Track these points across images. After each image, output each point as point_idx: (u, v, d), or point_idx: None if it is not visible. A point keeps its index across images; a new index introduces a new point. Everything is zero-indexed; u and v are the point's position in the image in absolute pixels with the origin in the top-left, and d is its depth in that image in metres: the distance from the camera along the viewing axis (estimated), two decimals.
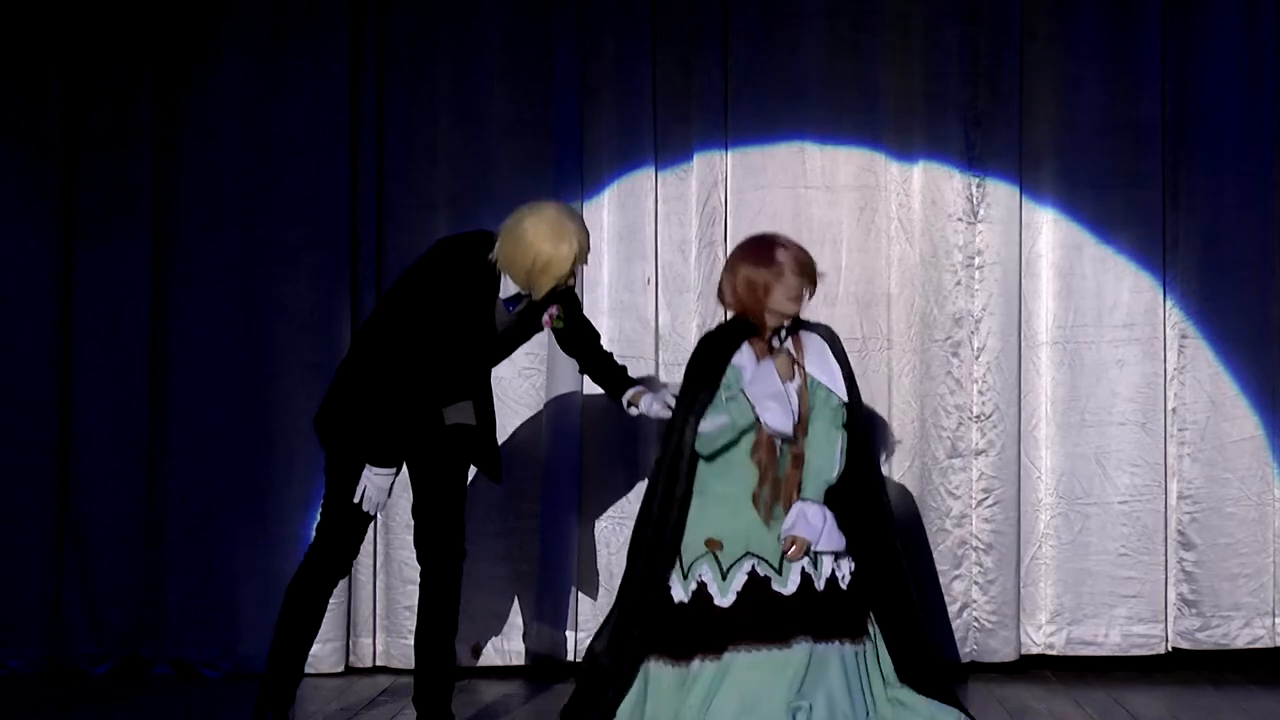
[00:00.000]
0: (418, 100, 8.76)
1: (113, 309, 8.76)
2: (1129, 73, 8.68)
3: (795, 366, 7.08)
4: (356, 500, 7.03)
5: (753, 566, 6.84)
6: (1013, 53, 8.68)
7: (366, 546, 8.49)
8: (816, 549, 6.87)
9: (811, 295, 7.12)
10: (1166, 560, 8.68)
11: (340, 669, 8.67)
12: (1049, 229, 8.73)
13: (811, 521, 6.91)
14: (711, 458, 6.92)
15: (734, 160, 8.78)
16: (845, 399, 7.06)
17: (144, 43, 8.74)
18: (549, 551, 8.75)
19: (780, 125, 8.72)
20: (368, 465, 7.05)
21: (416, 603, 8.05)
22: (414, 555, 8.03)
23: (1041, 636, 8.64)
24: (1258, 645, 8.63)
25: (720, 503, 6.90)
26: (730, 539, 6.84)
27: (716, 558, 6.88)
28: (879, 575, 6.97)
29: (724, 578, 6.85)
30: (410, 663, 8.13)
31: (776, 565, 6.87)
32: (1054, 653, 8.64)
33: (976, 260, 8.61)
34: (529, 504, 8.74)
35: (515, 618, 8.82)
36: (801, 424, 6.99)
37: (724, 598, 6.84)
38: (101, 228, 8.78)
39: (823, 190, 8.72)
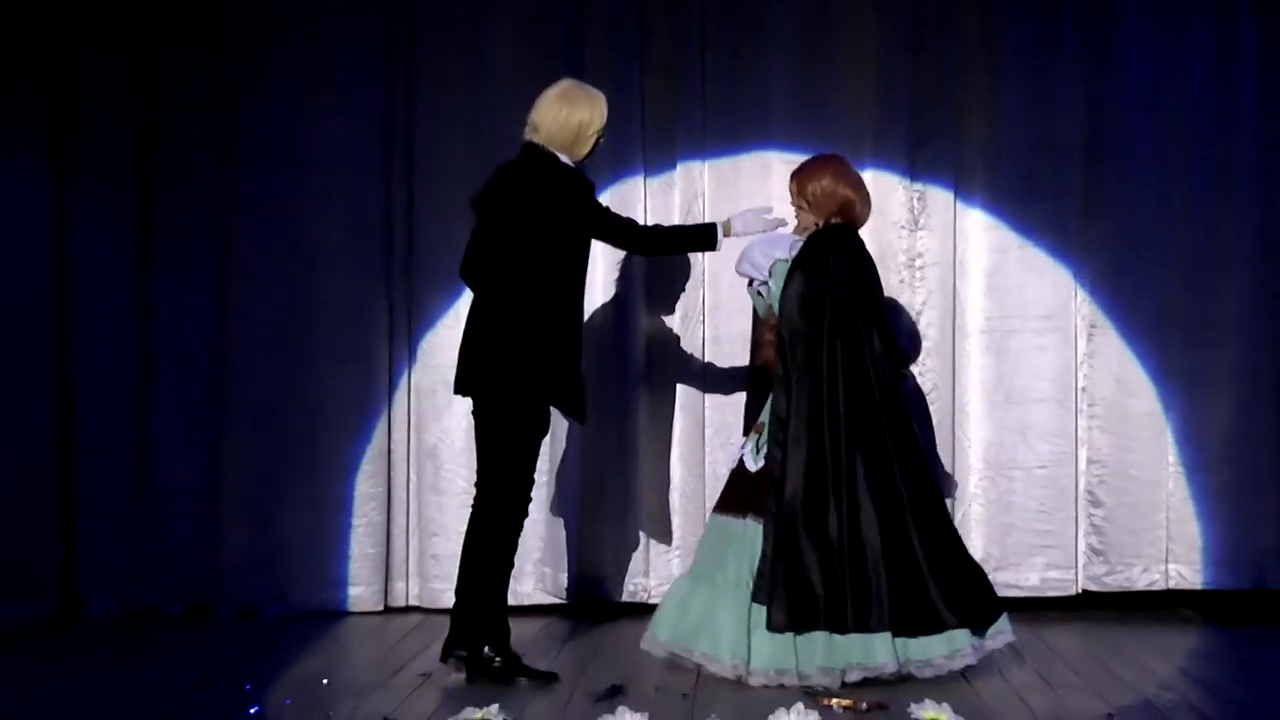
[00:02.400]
0: (440, 124, 9.00)
1: (183, 304, 9.06)
2: (1051, 99, 8.91)
3: None
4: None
5: None
6: (951, 81, 8.91)
7: (400, 505, 9.05)
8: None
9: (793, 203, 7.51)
10: (1078, 516, 8.95)
11: (380, 608, 8.99)
12: (979, 235, 8.99)
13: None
14: None
15: (710, 170, 9.01)
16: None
17: (208, 77, 9.02)
18: (596, 493, 8.96)
19: (748, 141, 8.97)
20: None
21: (442, 551, 8.78)
22: (440, 511, 8.82)
23: None
24: (1154, 588, 8.96)
25: None
26: None
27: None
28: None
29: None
30: (438, 604, 8.74)
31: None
32: None
33: (917, 262, 8.91)
34: (573, 448, 8.91)
35: (560, 557, 8.97)
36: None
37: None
38: (173, 242, 9.06)
39: (786, 200, 8.34)
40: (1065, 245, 9.00)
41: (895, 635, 7.14)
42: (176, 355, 9.10)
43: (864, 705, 6.80)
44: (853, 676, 7.12)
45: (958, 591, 7.26)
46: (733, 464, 7.50)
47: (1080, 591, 9.01)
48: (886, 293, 8.60)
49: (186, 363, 9.11)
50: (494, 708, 6.61)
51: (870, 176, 8.69)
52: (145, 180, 9.09)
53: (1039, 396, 9.00)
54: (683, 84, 9.04)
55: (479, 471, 7.42)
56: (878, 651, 7.12)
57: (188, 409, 9.09)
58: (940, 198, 8.96)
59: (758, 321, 7.68)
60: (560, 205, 7.28)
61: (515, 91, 8.53)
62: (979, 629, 7.31)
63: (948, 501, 8.49)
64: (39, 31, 9.09)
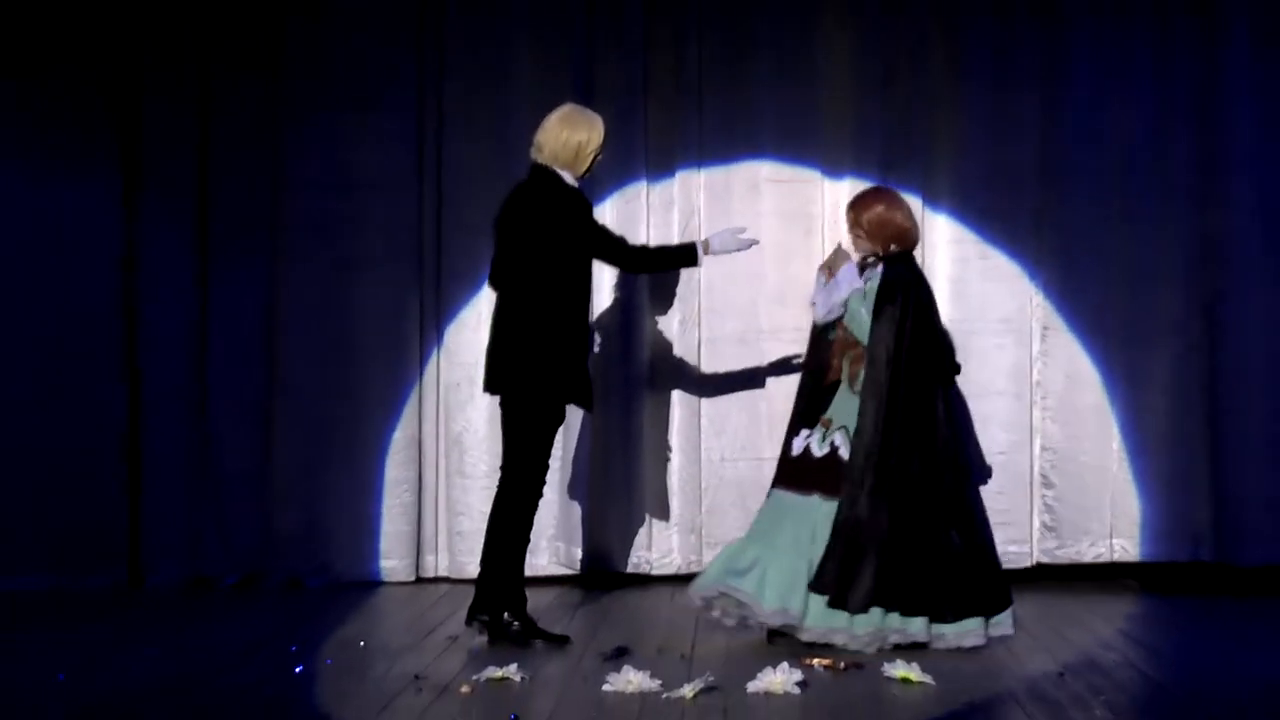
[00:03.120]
0: (466, 148, 9.01)
1: (237, 305, 9.08)
2: (1008, 128, 8.96)
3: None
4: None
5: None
6: (919, 110, 8.95)
7: (429, 487, 9.05)
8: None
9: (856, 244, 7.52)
10: (1032, 497, 8.99)
11: (411, 579, 9.02)
12: (946, 247, 9.00)
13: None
14: None
15: (705, 177, 9.01)
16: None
17: (261, 98, 9.06)
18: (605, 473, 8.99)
19: (740, 153, 9.00)
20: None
21: (467, 528, 8.76)
22: (465, 493, 8.81)
23: None
24: (1100, 560, 9.00)
25: None
26: None
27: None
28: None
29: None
30: (464, 575, 8.71)
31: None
32: None
33: None
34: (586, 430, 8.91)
35: (572, 533, 8.98)
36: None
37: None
38: (228, 247, 9.09)
39: (773, 217, 8.97)
40: (1021, 256, 9.03)
41: (933, 621, 7.25)
42: (231, 351, 9.11)
43: (842, 664, 6.86)
44: (892, 639, 7.22)
45: (981, 580, 7.39)
46: (799, 450, 7.51)
47: (1035, 564, 9.02)
48: None
49: (240, 359, 9.11)
50: (513, 666, 6.64)
51: (848, 187, 8.74)
52: (203, 190, 9.10)
53: (998, 390, 9.01)
54: (681, 104, 9.04)
55: (504, 458, 7.47)
56: (914, 625, 7.24)
57: (242, 401, 9.09)
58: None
59: (822, 343, 7.65)
60: (561, 225, 7.29)
61: (532, 115, 8.13)
62: (990, 615, 7.39)
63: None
64: (111, 52, 9.11)
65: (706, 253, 7.54)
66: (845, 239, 7.74)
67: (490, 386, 7.49)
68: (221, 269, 9.14)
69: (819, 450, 7.42)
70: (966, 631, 7.28)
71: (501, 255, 7.46)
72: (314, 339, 9.10)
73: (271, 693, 6.48)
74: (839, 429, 7.42)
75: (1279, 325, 8.98)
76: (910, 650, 7.11)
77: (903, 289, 7.39)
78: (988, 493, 8.87)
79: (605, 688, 6.42)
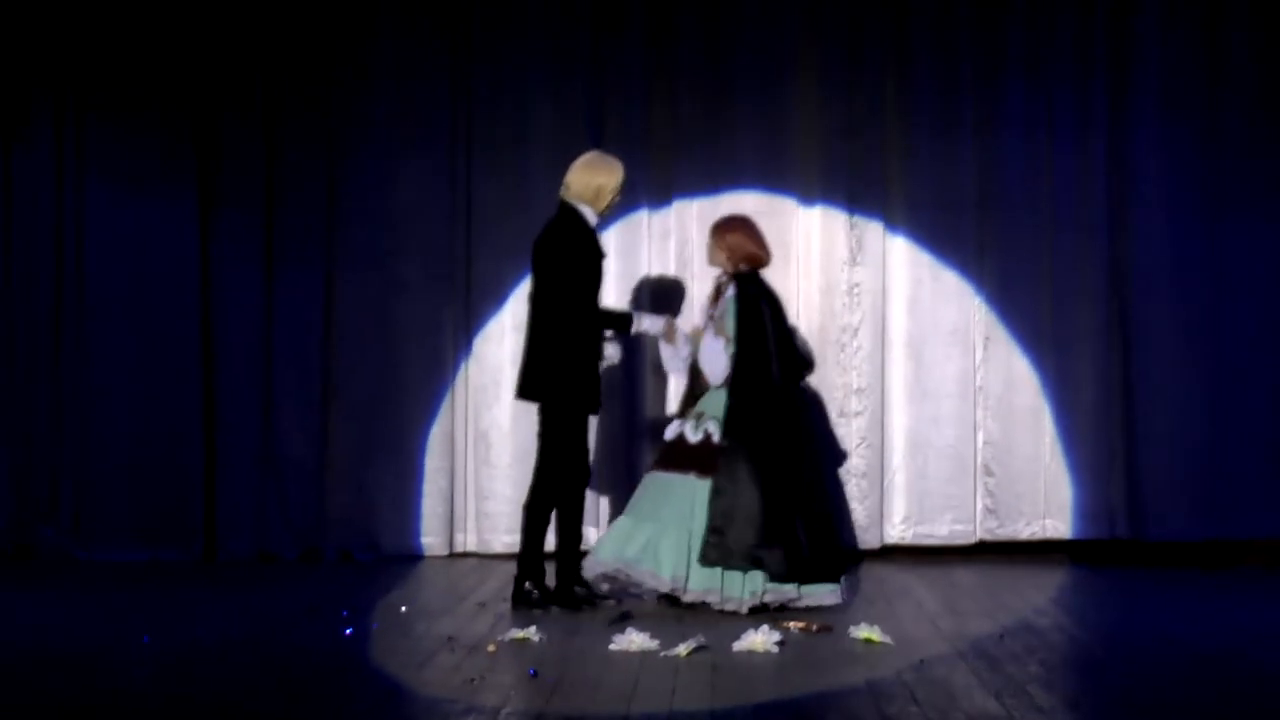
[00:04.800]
0: (492, 182, 8.96)
1: (298, 321, 9.02)
2: (952, 167, 8.92)
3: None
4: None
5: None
6: (875, 156, 8.91)
7: (460, 475, 8.96)
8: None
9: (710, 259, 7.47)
10: (975, 483, 8.95)
11: (446, 554, 8.94)
12: (902, 269, 8.97)
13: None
14: None
15: (697, 206, 8.90)
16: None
17: (318, 133, 8.99)
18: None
19: (725, 185, 8.90)
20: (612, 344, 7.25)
21: (493, 510, 8.70)
22: (491, 480, 8.71)
23: (896, 533, 8.96)
24: (1034, 538, 8.97)
25: None
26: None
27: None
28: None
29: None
30: (490, 550, 8.67)
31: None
32: (905, 543, 8.94)
33: (855, 290, 8.90)
34: None
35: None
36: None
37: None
38: (290, 268, 9.02)
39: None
40: (966, 277, 9.00)
41: (802, 584, 7.23)
42: (292, 356, 9.06)
43: (814, 627, 6.82)
44: (765, 599, 7.18)
45: (830, 550, 7.40)
46: (671, 436, 7.47)
47: (978, 541, 9.01)
48: (831, 315, 8.92)
49: (300, 363, 9.06)
50: (532, 629, 6.64)
51: (819, 216, 8.89)
52: (270, 217, 9.05)
53: (947, 393, 9.00)
54: (676, 146, 9.00)
55: (538, 456, 7.37)
56: (785, 587, 7.20)
57: (301, 399, 9.05)
58: (873, 240, 8.96)
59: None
60: (564, 262, 7.27)
61: (550, 158, 8.60)
62: (837, 580, 7.38)
63: (878, 479, 8.73)
64: (191, 83, 9.03)
65: (640, 327, 7.49)
66: (711, 255, 7.63)
67: (524, 394, 7.43)
68: (284, 286, 9.08)
69: (694, 437, 7.34)
70: (825, 592, 7.28)
71: (534, 279, 7.43)
72: (363, 347, 9.06)
73: (327, 650, 6.51)
74: (710, 419, 7.35)
75: (1180, 334, 8.91)
76: (866, 609, 7.23)
77: (758, 299, 7.38)
78: (938, 480, 8.95)
79: (611, 647, 6.43)
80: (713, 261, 7.57)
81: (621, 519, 7.46)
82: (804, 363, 8.03)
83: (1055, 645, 6.57)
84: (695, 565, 7.19)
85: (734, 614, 7.08)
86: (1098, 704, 5.58)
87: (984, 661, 6.21)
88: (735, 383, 7.35)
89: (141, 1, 9.00)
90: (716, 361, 7.40)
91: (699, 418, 7.41)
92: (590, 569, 7.36)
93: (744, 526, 7.15)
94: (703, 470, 7.28)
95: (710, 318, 7.51)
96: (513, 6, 9.04)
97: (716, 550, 7.15)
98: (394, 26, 9.06)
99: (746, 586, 7.16)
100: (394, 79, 9.06)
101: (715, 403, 7.41)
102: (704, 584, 7.19)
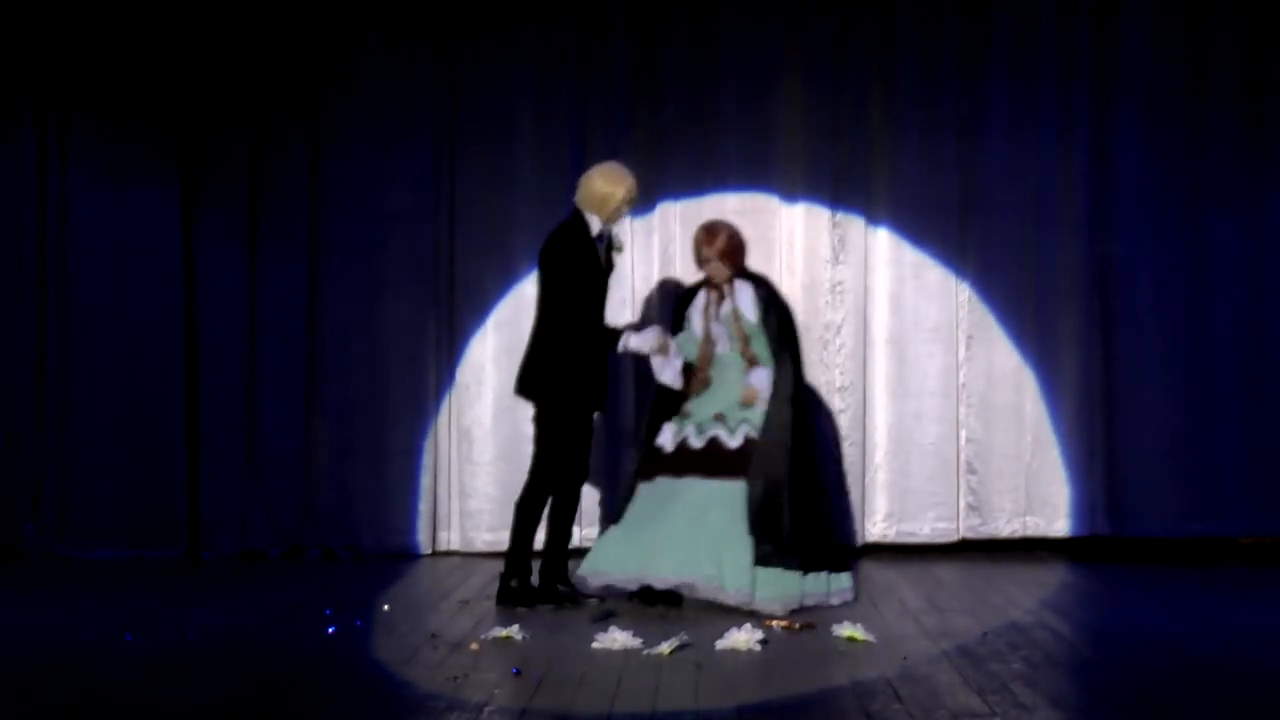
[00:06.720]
0: (475, 182, 8.94)
1: (282, 319, 8.98)
2: (935, 168, 8.91)
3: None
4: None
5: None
6: (861, 157, 8.89)
7: (443, 472, 8.92)
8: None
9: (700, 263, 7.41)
10: (958, 481, 8.93)
11: (429, 552, 8.92)
12: (884, 267, 8.96)
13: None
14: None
15: (680, 208, 8.90)
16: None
17: (303, 135, 8.98)
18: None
19: (708, 188, 8.89)
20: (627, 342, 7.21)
21: (475, 509, 8.64)
22: (474, 478, 8.69)
23: (878, 530, 8.96)
24: (1016, 535, 8.97)
25: None
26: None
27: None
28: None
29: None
30: (472, 548, 8.68)
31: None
32: (887, 541, 8.93)
33: (838, 288, 8.90)
34: None
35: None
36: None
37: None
38: (274, 265, 8.98)
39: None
40: (948, 276, 9.00)
41: (833, 572, 7.30)
42: (276, 354, 9.03)
43: (797, 625, 6.80)
44: (808, 601, 7.16)
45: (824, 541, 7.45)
46: (671, 442, 7.36)
47: (960, 539, 9.01)
48: (814, 312, 8.91)
49: (284, 361, 9.03)
50: (515, 627, 6.61)
51: (802, 214, 8.87)
52: (254, 214, 9.01)
53: (929, 391, 8.99)
54: (660, 148, 8.97)
55: (534, 455, 7.36)
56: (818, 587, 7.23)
57: (285, 399, 9.03)
58: (855, 238, 8.97)
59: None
60: (558, 268, 7.29)
61: (531, 161, 8.75)
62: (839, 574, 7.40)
63: (857, 475, 8.75)
64: (175, 80, 9.00)
65: (625, 344, 7.43)
66: (716, 265, 7.56)
67: (522, 391, 7.41)
68: (268, 285, 9.05)
69: (732, 442, 7.24)
70: (848, 586, 7.36)
71: (537, 279, 7.44)
72: (347, 345, 9.05)
73: (311, 648, 6.49)
74: (743, 421, 7.30)
75: (1162, 332, 8.91)
76: (846, 608, 7.20)
77: (779, 300, 7.44)
78: (921, 478, 8.96)
79: (594, 645, 6.39)
80: (706, 268, 7.49)
81: (614, 528, 7.34)
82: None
83: (1038, 642, 6.55)
84: (732, 569, 7.04)
85: (764, 615, 6.96)
86: (1080, 701, 5.58)
87: (967, 659, 6.20)
88: (779, 384, 7.31)
89: None
90: (765, 380, 7.36)
91: (721, 419, 7.32)
92: (591, 581, 7.26)
93: (789, 524, 7.11)
94: (734, 473, 7.20)
95: (711, 318, 7.47)
96: (498, 5, 9.02)
97: (765, 550, 7.06)
98: (379, 24, 9.05)
99: (787, 587, 7.08)
100: (378, 76, 9.04)
101: (717, 403, 7.37)
102: (747, 586, 7.03)
